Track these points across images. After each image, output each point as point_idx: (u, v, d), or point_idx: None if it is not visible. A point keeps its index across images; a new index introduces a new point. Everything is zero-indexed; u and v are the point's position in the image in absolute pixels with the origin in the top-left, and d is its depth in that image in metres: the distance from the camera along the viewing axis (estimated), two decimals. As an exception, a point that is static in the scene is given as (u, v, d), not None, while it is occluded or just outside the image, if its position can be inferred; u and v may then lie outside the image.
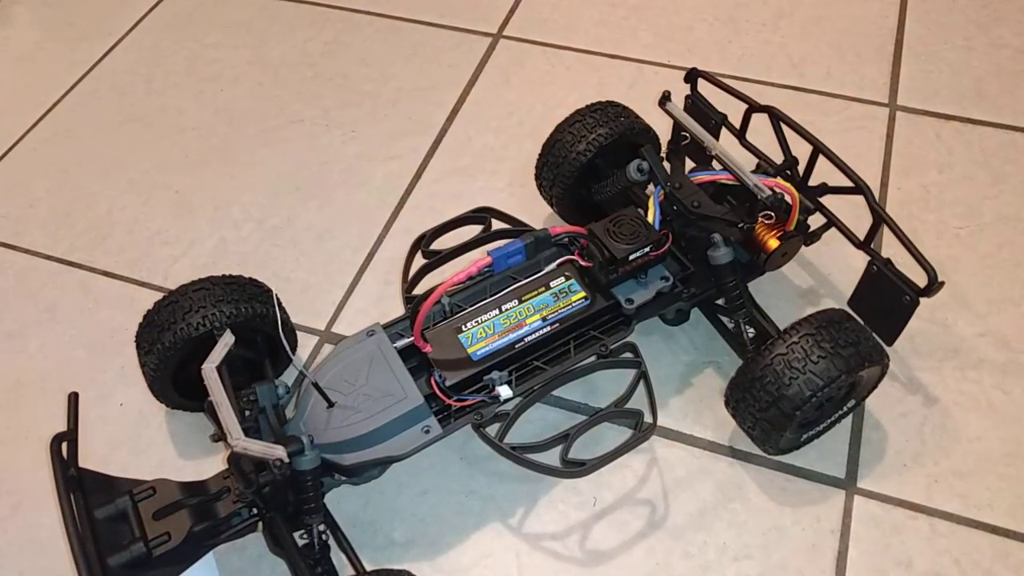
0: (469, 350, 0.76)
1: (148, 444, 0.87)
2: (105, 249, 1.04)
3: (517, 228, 0.85)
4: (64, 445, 0.68)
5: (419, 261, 0.85)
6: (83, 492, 0.68)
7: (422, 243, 0.85)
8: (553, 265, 0.82)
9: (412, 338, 0.75)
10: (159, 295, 0.81)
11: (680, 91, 0.90)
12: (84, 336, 0.96)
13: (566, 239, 0.82)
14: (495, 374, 0.74)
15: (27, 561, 0.80)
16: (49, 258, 1.04)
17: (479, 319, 0.78)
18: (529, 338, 0.77)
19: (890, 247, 0.97)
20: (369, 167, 1.11)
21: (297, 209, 1.07)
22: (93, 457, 0.85)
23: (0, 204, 1.10)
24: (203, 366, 0.69)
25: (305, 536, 0.71)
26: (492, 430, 0.74)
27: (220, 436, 0.71)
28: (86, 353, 0.95)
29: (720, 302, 0.85)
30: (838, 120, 1.12)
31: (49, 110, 1.22)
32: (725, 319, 0.86)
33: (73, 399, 0.73)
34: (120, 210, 1.08)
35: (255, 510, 0.72)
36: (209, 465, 0.84)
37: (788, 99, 1.15)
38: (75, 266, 1.03)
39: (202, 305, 0.78)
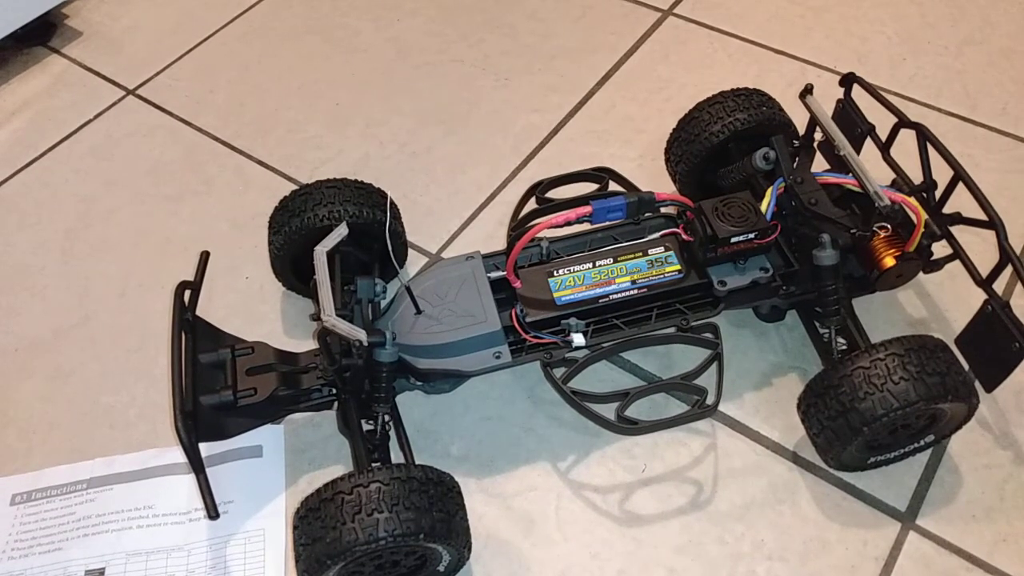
0: (555, 294, 0.79)
1: (261, 317, 0.96)
2: (265, 142, 1.15)
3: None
4: (187, 292, 0.77)
5: (531, 205, 0.89)
6: (193, 336, 0.76)
7: (538, 189, 0.88)
8: (657, 234, 0.84)
9: (505, 271, 0.79)
10: (300, 189, 0.89)
11: (838, 97, 0.89)
12: (230, 212, 1.07)
13: (674, 212, 0.84)
14: (573, 320, 0.77)
15: (140, 388, 0.91)
16: (216, 139, 1.15)
17: (571, 268, 0.81)
18: (614, 296, 0.79)
19: (1018, 297, 0.92)
20: (512, 115, 1.16)
21: (438, 141, 1.13)
22: (211, 317, 0.95)
23: (187, 85, 1.23)
24: (315, 248, 0.76)
25: (371, 424, 0.77)
26: (558, 373, 0.77)
27: (318, 315, 0.78)
28: (228, 227, 1.05)
29: (818, 308, 0.83)
30: (1001, 159, 1.06)
31: (245, 11, 1.34)
32: (822, 327, 0.85)
33: (204, 257, 0.82)
34: (285, 110, 1.18)
35: (334, 390, 0.79)
36: (307, 346, 0.92)
37: (953, 128, 1.09)
38: (236, 151, 1.14)
39: (330, 201, 0.85)
